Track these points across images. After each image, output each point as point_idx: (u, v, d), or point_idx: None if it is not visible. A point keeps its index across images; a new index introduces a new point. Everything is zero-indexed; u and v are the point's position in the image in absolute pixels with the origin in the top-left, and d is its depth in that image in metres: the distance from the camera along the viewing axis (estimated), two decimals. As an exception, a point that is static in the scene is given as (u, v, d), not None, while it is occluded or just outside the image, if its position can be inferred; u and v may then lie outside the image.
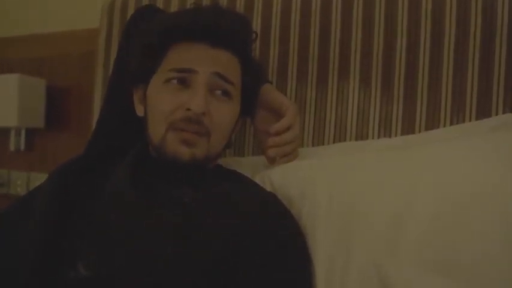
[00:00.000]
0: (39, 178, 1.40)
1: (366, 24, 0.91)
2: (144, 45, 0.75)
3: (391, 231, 0.60)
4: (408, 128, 0.87)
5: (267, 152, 0.80)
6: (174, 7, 1.08)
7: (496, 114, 0.81)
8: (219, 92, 0.72)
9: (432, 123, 0.85)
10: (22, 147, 1.44)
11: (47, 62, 1.43)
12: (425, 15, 0.86)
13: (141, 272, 0.59)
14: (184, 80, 0.70)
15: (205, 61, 0.70)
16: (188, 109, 0.68)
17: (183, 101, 0.69)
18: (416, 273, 0.56)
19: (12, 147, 1.44)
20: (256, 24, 0.99)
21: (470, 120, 0.83)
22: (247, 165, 0.87)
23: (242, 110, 0.78)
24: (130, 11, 1.14)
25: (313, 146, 0.92)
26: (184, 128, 0.68)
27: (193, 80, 0.70)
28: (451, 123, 0.84)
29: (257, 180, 0.79)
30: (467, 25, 0.83)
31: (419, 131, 0.86)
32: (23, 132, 1.43)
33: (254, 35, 0.80)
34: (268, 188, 0.76)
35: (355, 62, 0.91)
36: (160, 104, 0.71)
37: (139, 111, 0.78)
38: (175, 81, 0.70)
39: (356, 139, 0.90)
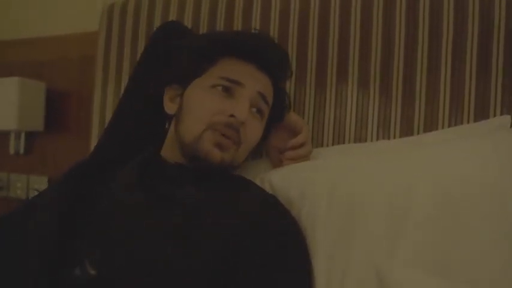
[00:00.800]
0: (38, 181, 1.40)
1: (364, 27, 0.91)
2: (197, 51, 0.81)
3: (390, 232, 0.60)
4: (407, 130, 0.87)
5: (282, 165, 0.83)
6: (173, 6, 1.09)
7: (494, 115, 0.82)
8: (254, 110, 0.78)
9: (430, 125, 0.86)
10: (22, 150, 1.44)
11: (47, 65, 1.44)
12: (422, 17, 0.87)
13: (141, 272, 0.59)
14: (229, 89, 0.75)
15: (252, 79, 0.77)
16: (232, 115, 0.73)
17: (226, 108, 0.73)
18: (415, 273, 0.56)
19: (12, 151, 1.44)
20: (255, 28, 1.00)
21: (468, 122, 0.83)
22: (247, 168, 0.87)
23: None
24: (130, 14, 1.14)
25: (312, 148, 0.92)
26: (223, 131, 0.72)
27: (239, 91, 0.75)
28: (449, 125, 0.84)
29: (257, 182, 0.80)
30: (465, 27, 0.84)
31: (418, 133, 0.86)
32: (22, 135, 1.43)
33: (290, 72, 0.89)
34: (268, 190, 0.77)
35: (354, 64, 0.91)
36: (204, 104, 0.75)
37: (170, 109, 0.81)
38: (220, 88, 0.75)
39: (355, 141, 0.90)
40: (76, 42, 1.39)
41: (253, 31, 0.92)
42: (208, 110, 0.74)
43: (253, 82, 0.77)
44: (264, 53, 0.79)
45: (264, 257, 0.62)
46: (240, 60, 0.78)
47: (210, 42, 0.81)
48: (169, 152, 0.79)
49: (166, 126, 0.85)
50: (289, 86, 0.96)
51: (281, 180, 0.76)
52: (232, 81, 0.75)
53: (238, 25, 1.02)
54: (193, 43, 0.83)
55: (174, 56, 0.84)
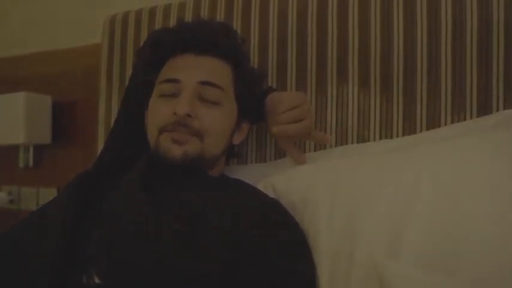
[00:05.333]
0: (48, 193, 1.42)
1: (362, 27, 0.91)
2: (142, 63, 0.82)
3: (393, 232, 0.60)
4: (409, 129, 0.87)
5: (272, 130, 0.81)
6: (173, 15, 1.10)
7: (497, 110, 0.81)
8: (206, 98, 0.75)
9: (433, 123, 0.85)
10: (31, 163, 1.46)
11: (52, 79, 1.46)
12: (420, 14, 0.87)
13: (144, 278, 0.60)
14: (173, 92, 0.75)
15: (190, 70, 0.76)
16: (175, 113, 0.72)
17: (170, 109, 0.74)
18: (417, 273, 0.56)
19: (21, 164, 1.46)
20: (254, 32, 1.00)
21: (471, 118, 0.82)
22: (249, 173, 0.88)
23: (242, 114, 0.81)
24: (131, 25, 1.16)
25: (315, 150, 0.92)
26: (173, 129, 0.73)
27: (180, 89, 0.75)
28: (452, 122, 0.84)
29: (260, 187, 0.80)
30: (464, 22, 0.84)
31: (421, 131, 0.86)
32: (31, 149, 1.45)
33: (240, 39, 0.84)
34: (271, 194, 0.77)
35: (353, 65, 0.91)
36: (155, 114, 0.77)
37: (146, 125, 0.82)
38: (166, 94, 0.76)
39: (357, 142, 0.90)
40: (79, 54, 1.41)
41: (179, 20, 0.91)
42: (157, 117, 0.75)
43: (191, 73, 0.75)
44: (193, 36, 0.77)
45: (264, 265, 0.63)
46: (178, 55, 0.78)
47: (149, 52, 0.81)
48: None
49: None
50: (290, 89, 0.96)
51: (284, 185, 0.77)
52: (169, 80, 0.76)
53: (237, 29, 1.02)
54: (139, 59, 0.86)
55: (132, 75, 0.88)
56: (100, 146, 1.16)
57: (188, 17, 1.08)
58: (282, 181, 0.78)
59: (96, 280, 0.60)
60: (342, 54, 0.92)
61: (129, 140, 0.87)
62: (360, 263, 0.61)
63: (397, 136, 0.87)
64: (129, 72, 1.15)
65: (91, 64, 1.30)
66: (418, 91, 0.86)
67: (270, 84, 0.97)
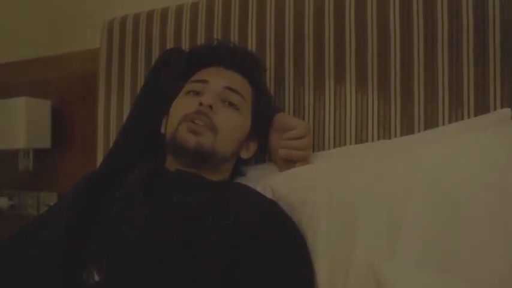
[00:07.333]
0: (49, 197, 1.42)
1: (359, 28, 0.91)
2: (176, 72, 0.91)
3: (391, 232, 0.60)
4: (407, 128, 0.87)
5: (278, 151, 0.85)
6: (170, 19, 1.10)
7: (495, 109, 0.81)
8: (227, 103, 0.82)
9: (431, 122, 0.85)
10: (31, 167, 1.46)
11: (51, 84, 1.46)
12: (417, 13, 0.87)
13: (143, 279, 0.61)
14: (199, 91, 0.82)
15: (218, 76, 0.84)
16: (200, 103, 0.78)
17: (195, 102, 0.79)
18: (415, 272, 0.56)
19: (21, 169, 1.47)
20: (251, 33, 1.01)
21: (469, 117, 0.82)
22: (248, 174, 0.88)
23: (253, 131, 0.85)
24: (129, 29, 1.16)
25: (313, 151, 0.92)
26: (194, 118, 0.77)
27: (206, 88, 0.81)
28: (450, 121, 0.84)
29: (259, 188, 0.80)
30: (460, 20, 0.84)
31: (419, 131, 0.86)
32: (31, 153, 1.46)
33: (260, 66, 0.93)
34: (269, 196, 0.77)
35: (351, 65, 0.92)
36: (179, 106, 0.83)
37: (164, 127, 0.87)
38: (192, 93, 0.83)
39: (356, 142, 0.90)
40: (79, 59, 1.41)
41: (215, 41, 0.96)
42: (181, 109, 0.81)
43: (219, 78, 0.83)
44: (224, 53, 0.87)
45: (264, 265, 0.63)
46: (208, 67, 0.86)
47: (184, 66, 0.90)
48: (168, 162, 0.82)
49: None
50: (288, 90, 0.97)
51: (282, 187, 0.77)
52: (198, 81, 0.84)
53: (234, 30, 1.03)
54: (173, 72, 0.93)
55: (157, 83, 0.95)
56: (100, 150, 1.17)
57: (186, 20, 1.09)
58: (280, 182, 0.78)
59: (96, 278, 0.61)
60: (339, 54, 0.93)
61: (138, 146, 0.90)
62: (359, 263, 0.61)
63: (395, 136, 0.87)
64: (127, 75, 1.15)
65: (90, 69, 1.30)
66: (416, 91, 0.87)
67: (268, 85, 0.98)
